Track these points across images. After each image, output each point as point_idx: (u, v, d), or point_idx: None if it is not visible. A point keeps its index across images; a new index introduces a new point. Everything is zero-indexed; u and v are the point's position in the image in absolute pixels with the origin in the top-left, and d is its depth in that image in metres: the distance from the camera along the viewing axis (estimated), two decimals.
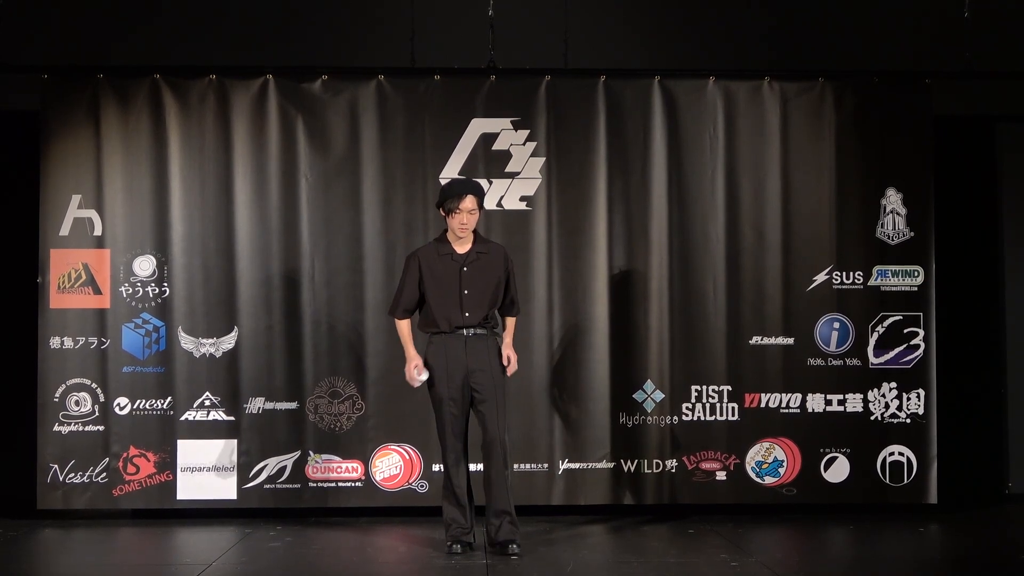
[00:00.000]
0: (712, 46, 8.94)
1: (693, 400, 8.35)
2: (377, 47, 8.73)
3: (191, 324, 8.24)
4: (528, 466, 8.29)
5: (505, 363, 7.27)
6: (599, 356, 8.32)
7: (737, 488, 8.34)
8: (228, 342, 8.25)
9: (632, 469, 8.33)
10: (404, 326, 7.36)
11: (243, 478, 8.22)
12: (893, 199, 8.41)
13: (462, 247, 7.26)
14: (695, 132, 8.41)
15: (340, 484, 8.27)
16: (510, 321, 7.44)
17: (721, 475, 8.35)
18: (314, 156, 8.31)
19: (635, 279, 8.36)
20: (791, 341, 8.36)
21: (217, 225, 8.26)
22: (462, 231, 7.20)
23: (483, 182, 8.22)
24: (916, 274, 8.41)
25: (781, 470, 8.36)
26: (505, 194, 8.33)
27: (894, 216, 8.41)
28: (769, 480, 8.35)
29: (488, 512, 7.22)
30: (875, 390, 8.37)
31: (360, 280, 8.29)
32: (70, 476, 8.17)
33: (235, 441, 8.23)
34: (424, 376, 7.20)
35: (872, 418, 8.37)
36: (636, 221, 8.36)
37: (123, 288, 8.23)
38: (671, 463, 8.34)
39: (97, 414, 8.19)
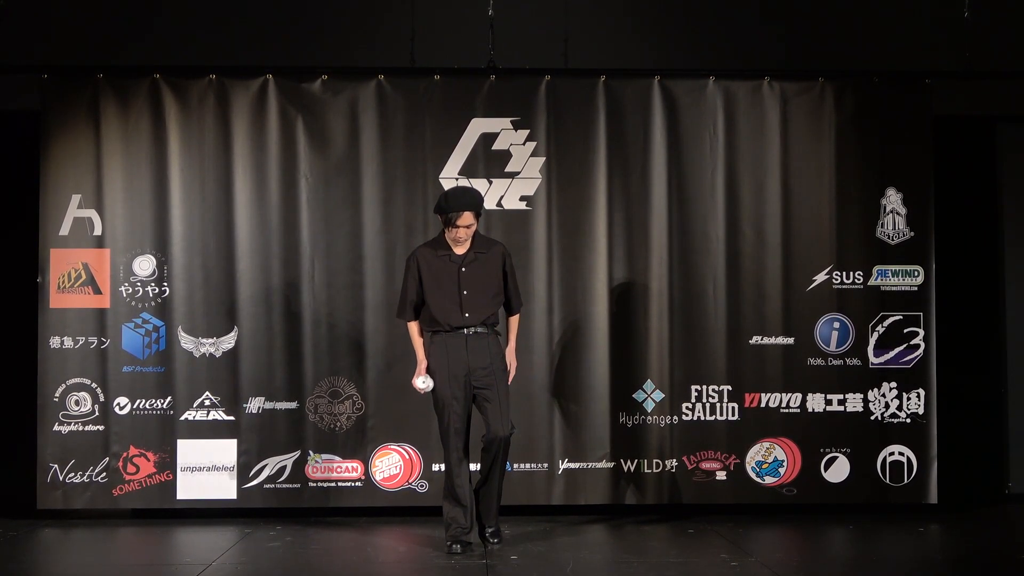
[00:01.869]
0: (712, 46, 8.93)
1: (693, 400, 8.35)
2: (377, 47, 8.73)
3: (191, 324, 8.24)
4: (528, 466, 8.29)
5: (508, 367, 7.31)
6: (599, 356, 8.32)
7: (737, 488, 8.33)
8: (228, 342, 8.25)
9: (632, 469, 8.33)
10: (414, 328, 7.36)
11: (243, 478, 8.22)
12: (893, 199, 8.41)
13: (460, 248, 7.26)
14: (695, 132, 8.40)
15: (340, 484, 8.26)
16: (513, 321, 7.45)
17: (721, 475, 8.35)
18: (314, 156, 8.31)
19: (635, 279, 8.35)
20: (791, 341, 8.36)
21: (217, 225, 8.26)
22: (457, 244, 7.22)
23: (483, 182, 8.24)
24: (916, 274, 8.41)
25: (781, 470, 8.35)
26: (505, 194, 8.32)
27: (894, 216, 8.40)
28: (769, 480, 8.35)
29: (478, 515, 7.32)
30: (875, 390, 8.37)
31: (360, 280, 8.28)
32: (70, 476, 8.17)
33: (235, 441, 8.23)
34: (429, 385, 7.21)
35: (872, 418, 8.37)
36: (636, 221, 8.36)
37: (123, 288, 8.23)
38: (671, 463, 8.34)
39: (97, 414, 8.19)
